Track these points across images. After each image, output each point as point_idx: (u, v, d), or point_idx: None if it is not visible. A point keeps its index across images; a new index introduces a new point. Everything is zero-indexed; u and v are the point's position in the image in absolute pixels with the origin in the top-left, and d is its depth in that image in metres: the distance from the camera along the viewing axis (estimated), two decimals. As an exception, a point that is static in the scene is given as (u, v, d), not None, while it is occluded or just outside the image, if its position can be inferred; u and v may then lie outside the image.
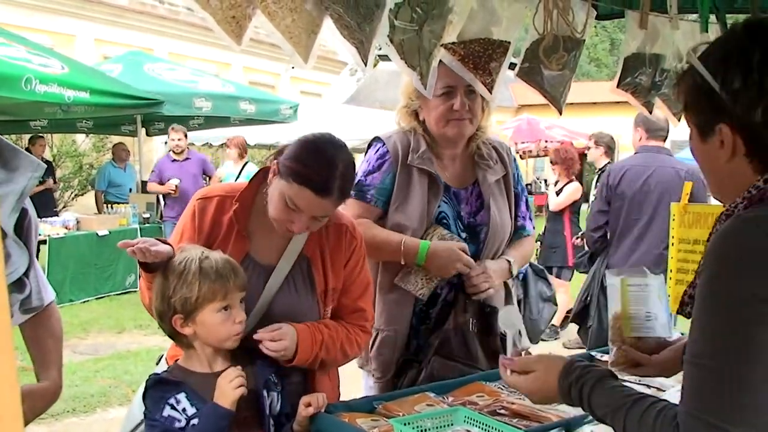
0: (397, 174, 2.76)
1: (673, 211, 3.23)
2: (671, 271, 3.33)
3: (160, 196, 10.60)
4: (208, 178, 10.20)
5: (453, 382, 2.50)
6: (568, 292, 8.11)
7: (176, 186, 9.88)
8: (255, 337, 2.17)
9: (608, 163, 7.68)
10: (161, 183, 10.06)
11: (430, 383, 2.56)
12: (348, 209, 2.64)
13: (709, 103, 1.48)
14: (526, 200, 3.03)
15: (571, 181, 8.21)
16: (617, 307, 2.07)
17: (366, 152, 2.91)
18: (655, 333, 2.04)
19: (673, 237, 3.22)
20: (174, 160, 10.12)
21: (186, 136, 10.24)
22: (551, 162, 8.36)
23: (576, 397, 1.61)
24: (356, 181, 2.69)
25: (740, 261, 1.35)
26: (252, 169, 9.53)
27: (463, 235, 2.79)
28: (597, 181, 7.53)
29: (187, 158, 10.14)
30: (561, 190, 8.20)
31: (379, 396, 2.44)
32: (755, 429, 1.31)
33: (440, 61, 2.48)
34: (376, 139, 2.88)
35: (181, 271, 2.07)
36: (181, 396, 2.03)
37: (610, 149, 7.89)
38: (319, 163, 2.15)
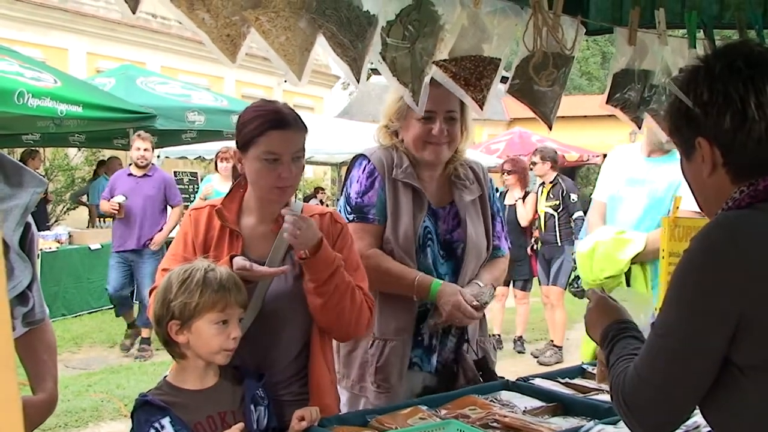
0: (386, 189, 2.79)
1: (663, 224, 3.26)
2: (661, 284, 3.36)
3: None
4: (169, 208, 8.10)
5: (445, 395, 2.51)
6: (529, 302, 8.45)
7: (120, 204, 7.68)
8: (282, 211, 2.28)
9: (557, 176, 8.02)
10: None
11: (424, 396, 2.58)
12: (355, 235, 2.65)
13: (686, 121, 1.61)
14: (501, 220, 3.06)
15: (527, 193, 8.29)
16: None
17: (349, 170, 2.91)
18: None
19: (663, 250, 3.24)
20: (131, 175, 7.96)
21: (153, 147, 8.15)
22: (506, 172, 8.39)
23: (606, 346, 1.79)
24: (353, 203, 2.79)
25: (706, 260, 1.50)
26: None
27: (441, 252, 2.83)
28: (549, 193, 7.94)
29: (146, 175, 7.91)
30: (518, 202, 8.25)
31: (372, 409, 2.45)
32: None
33: (429, 85, 2.52)
34: (361, 156, 2.90)
35: (185, 278, 2.11)
36: (165, 421, 2.04)
37: (555, 163, 8.18)
38: (260, 110, 2.37)
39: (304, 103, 24.69)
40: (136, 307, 8.11)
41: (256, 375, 2.26)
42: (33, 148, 11.76)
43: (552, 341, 8.04)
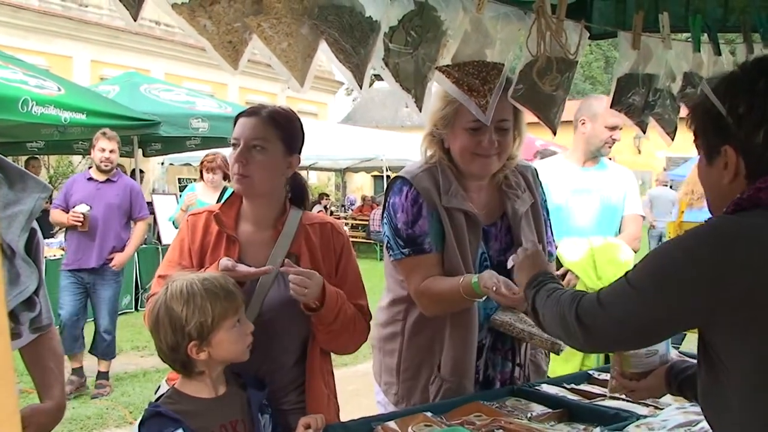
0: (442, 217, 2.59)
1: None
2: None
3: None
4: (133, 223, 6.88)
5: (451, 402, 2.50)
6: None
7: (84, 215, 6.41)
8: (283, 269, 2.26)
9: None
10: (68, 210, 6.53)
11: (429, 403, 2.57)
12: (413, 271, 2.58)
13: (717, 127, 1.61)
14: (550, 224, 2.92)
15: None
16: None
17: (388, 196, 2.69)
18: (654, 367, 2.11)
19: None
20: (91, 180, 6.64)
21: (119, 148, 6.78)
22: None
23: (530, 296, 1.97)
24: (404, 236, 2.60)
25: (698, 248, 1.53)
26: None
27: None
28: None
29: (110, 180, 6.66)
30: None
31: (377, 416, 2.43)
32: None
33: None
34: (401, 180, 2.66)
35: (187, 299, 2.05)
36: None
37: None
38: (253, 106, 2.46)
39: (307, 110, 24.75)
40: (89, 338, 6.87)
41: (259, 383, 2.25)
42: (33, 157, 11.75)
43: None
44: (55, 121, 8.53)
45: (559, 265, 3.99)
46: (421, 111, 2.29)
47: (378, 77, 2.36)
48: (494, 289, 2.37)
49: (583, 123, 4.16)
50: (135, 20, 1.59)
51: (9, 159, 2.03)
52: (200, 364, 2.10)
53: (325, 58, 2.04)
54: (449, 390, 2.61)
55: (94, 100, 9.69)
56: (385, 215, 2.69)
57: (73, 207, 6.46)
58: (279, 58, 1.84)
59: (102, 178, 6.63)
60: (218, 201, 6.14)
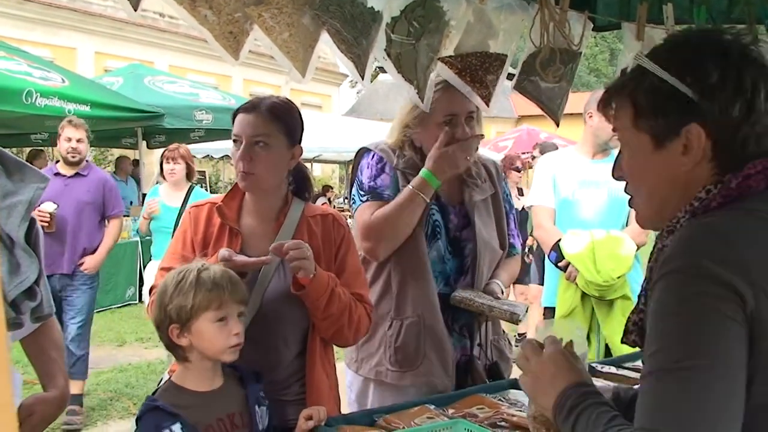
0: (398, 175, 2.75)
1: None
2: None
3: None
4: (106, 221, 5.99)
5: (453, 395, 2.50)
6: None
7: (51, 214, 5.55)
8: (282, 247, 2.20)
9: None
10: None
11: (432, 395, 2.57)
12: (366, 212, 2.67)
13: (674, 104, 1.38)
14: (514, 218, 3.04)
15: (520, 189, 8.31)
16: None
17: (357, 163, 2.88)
18: None
19: None
20: (59, 175, 5.72)
21: (88, 137, 5.88)
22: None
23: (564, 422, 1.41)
24: (366, 187, 2.75)
25: (701, 266, 1.25)
26: (206, 195, 6.42)
27: (449, 248, 2.79)
28: None
29: (79, 174, 5.80)
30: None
31: (379, 408, 2.43)
32: None
33: (447, 88, 2.50)
34: (365, 149, 2.87)
35: (179, 281, 2.08)
36: (176, 427, 2.01)
37: None
38: (251, 100, 2.40)
39: (311, 102, 24.74)
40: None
41: (255, 376, 2.24)
42: (38, 148, 11.77)
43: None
44: (59, 113, 8.52)
45: (561, 256, 4.01)
46: (423, 102, 2.28)
47: (382, 69, 2.36)
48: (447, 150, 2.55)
49: (591, 116, 4.16)
50: (135, 10, 1.58)
51: (13, 150, 2.04)
52: (186, 350, 2.11)
53: (329, 50, 2.03)
54: (413, 325, 2.70)
55: (98, 91, 9.70)
56: (354, 182, 2.85)
57: (39, 206, 5.05)
58: (280, 48, 1.84)
59: (70, 172, 5.76)
60: (184, 202, 5.78)
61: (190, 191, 5.98)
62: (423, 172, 2.60)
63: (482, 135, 2.71)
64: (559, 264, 4.05)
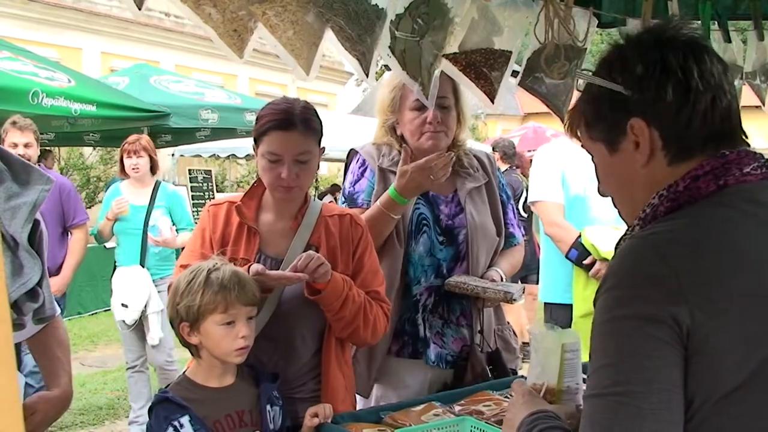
0: (376, 177, 2.81)
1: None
2: None
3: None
4: (69, 233, 5.33)
5: (460, 392, 2.50)
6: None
7: None
8: (297, 268, 2.22)
9: (508, 168, 7.94)
10: None
11: (438, 392, 2.57)
12: None
13: (613, 105, 1.41)
14: (513, 208, 3.06)
15: None
16: (551, 378, 1.92)
17: (346, 165, 2.97)
18: (578, 402, 1.90)
19: None
20: None
21: (38, 140, 5.24)
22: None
23: None
24: (346, 193, 2.85)
25: (636, 286, 1.26)
26: (175, 191, 5.76)
27: (441, 238, 2.81)
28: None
29: None
30: None
31: (385, 406, 2.44)
32: None
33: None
34: (352, 151, 2.97)
35: (190, 280, 2.12)
36: (185, 420, 2.05)
37: (506, 155, 8.09)
38: (276, 109, 2.37)
39: (317, 100, 24.70)
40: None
41: (271, 375, 2.26)
42: (46, 149, 11.79)
43: None
44: (65, 113, 8.54)
45: (588, 253, 3.83)
46: (428, 98, 2.28)
47: (386, 67, 2.36)
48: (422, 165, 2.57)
49: None
50: (139, 9, 1.58)
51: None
52: (197, 348, 2.16)
53: (334, 48, 2.04)
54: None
55: (104, 91, 9.70)
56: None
57: None
58: (284, 46, 1.84)
59: None
60: (152, 200, 5.38)
61: (157, 187, 5.46)
62: (390, 190, 2.65)
63: (451, 154, 2.70)
64: (585, 262, 3.83)
